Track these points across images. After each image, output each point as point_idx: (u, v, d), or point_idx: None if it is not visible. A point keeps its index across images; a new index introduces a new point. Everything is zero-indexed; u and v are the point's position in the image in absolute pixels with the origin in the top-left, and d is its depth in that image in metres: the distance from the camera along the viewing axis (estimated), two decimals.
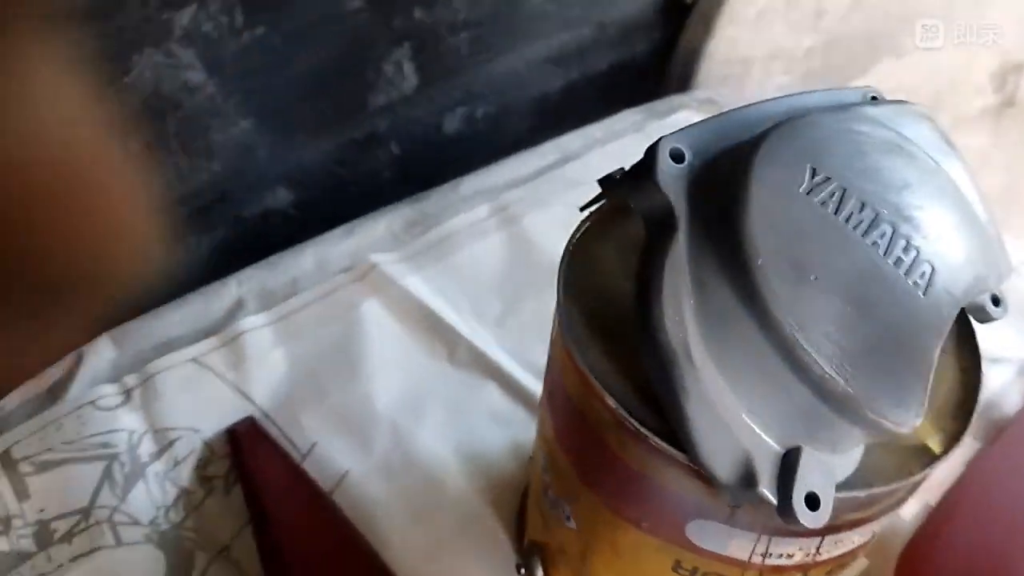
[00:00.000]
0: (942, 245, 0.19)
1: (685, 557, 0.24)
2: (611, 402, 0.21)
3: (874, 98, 0.25)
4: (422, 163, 0.61)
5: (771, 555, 0.23)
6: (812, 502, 0.19)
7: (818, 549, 0.23)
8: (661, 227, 0.21)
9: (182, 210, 0.51)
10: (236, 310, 0.44)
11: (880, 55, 0.81)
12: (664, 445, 0.20)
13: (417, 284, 0.45)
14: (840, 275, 0.18)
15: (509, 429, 0.39)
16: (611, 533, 0.25)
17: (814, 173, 0.19)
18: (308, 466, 0.37)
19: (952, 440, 0.21)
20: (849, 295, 0.18)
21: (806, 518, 0.19)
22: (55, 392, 0.39)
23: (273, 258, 0.47)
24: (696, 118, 0.58)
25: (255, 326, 0.42)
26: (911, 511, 0.37)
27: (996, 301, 0.24)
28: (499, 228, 0.50)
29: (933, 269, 0.19)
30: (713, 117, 0.22)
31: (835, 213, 0.19)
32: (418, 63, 0.57)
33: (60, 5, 0.15)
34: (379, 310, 0.44)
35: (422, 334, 0.43)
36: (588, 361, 0.22)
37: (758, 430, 0.19)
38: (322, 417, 0.39)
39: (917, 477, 0.21)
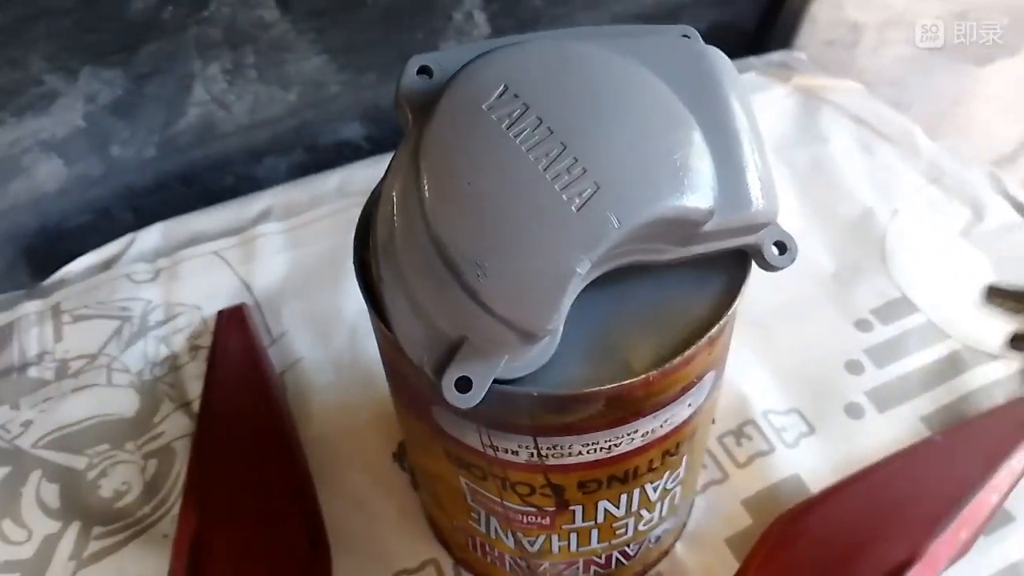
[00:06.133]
0: (622, 173, 0.21)
1: (447, 446, 0.26)
2: (361, 288, 0.24)
3: (686, 37, 0.26)
4: None
5: (498, 448, 0.25)
6: (463, 386, 0.21)
7: (538, 450, 0.25)
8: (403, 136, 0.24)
9: (262, 132, 0.58)
10: (262, 217, 0.50)
11: None
12: (380, 324, 0.23)
13: None
14: (492, 183, 0.20)
15: None
16: (404, 419, 0.29)
17: (504, 92, 0.21)
18: (274, 350, 0.43)
19: (652, 368, 0.23)
20: (497, 201, 0.20)
21: (454, 398, 0.21)
22: (108, 263, 0.48)
23: (305, 178, 0.53)
24: (760, 81, 0.57)
25: (271, 232, 0.49)
26: (821, 483, 0.36)
27: (782, 249, 0.24)
28: None
29: (597, 189, 0.20)
30: (488, 40, 0.24)
31: (507, 128, 0.21)
32: (489, 13, 0.60)
33: None
34: None
35: None
36: (360, 259, 0.25)
37: (432, 319, 0.22)
38: (298, 313, 0.45)
39: (596, 389, 0.22)
